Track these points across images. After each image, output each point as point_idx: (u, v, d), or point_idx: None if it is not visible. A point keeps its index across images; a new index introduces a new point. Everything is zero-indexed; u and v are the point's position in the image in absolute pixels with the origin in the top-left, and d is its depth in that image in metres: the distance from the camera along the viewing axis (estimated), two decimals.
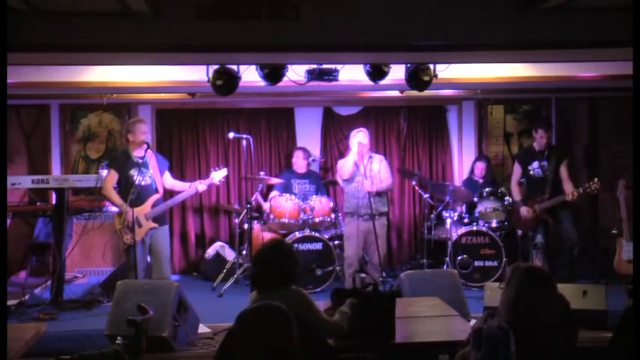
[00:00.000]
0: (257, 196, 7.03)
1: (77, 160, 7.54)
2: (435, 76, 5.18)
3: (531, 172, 6.35)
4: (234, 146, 7.61)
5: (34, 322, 5.11)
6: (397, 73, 5.27)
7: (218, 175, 5.92)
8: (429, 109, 7.82)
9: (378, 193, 6.22)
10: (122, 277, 5.11)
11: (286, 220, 6.59)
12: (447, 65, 5.21)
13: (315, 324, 3.08)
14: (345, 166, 6.26)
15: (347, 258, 6.30)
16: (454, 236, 6.60)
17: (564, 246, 6.25)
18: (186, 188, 5.89)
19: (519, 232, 6.51)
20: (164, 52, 4.52)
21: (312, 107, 7.74)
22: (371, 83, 5.29)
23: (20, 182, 5.73)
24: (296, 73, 5.22)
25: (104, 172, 5.82)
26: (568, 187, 6.12)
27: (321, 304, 3.19)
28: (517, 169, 6.53)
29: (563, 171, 6.22)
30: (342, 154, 7.42)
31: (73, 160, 7.53)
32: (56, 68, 5.49)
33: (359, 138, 6.20)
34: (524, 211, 6.31)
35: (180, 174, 7.33)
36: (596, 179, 5.99)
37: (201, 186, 5.83)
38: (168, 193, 6.03)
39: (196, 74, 5.44)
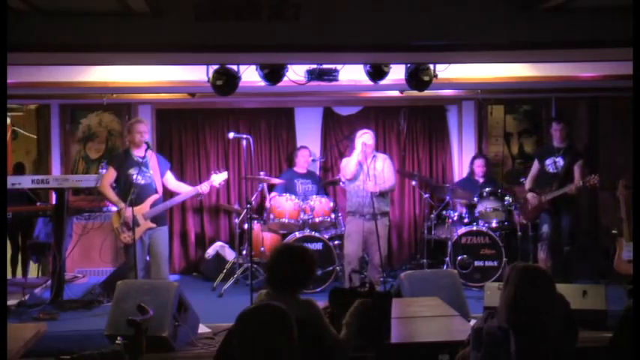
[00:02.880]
0: (264, 191, 7.01)
1: (77, 160, 7.54)
2: (435, 76, 5.19)
3: (547, 167, 6.44)
4: (234, 146, 7.61)
5: (34, 322, 5.09)
6: (397, 73, 5.27)
7: (218, 178, 5.91)
8: (429, 109, 7.82)
9: (381, 193, 6.22)
10: (122, 277, 5.11)
11: (286, 220, 6.59)
12: (447, 65, 5.21)
13: (323, 339, 3.04)
14: (348, 166, 6.27)
15: (347, 256, 6.29)
16: (454, 236, 6.60)
17: (556, 243, 6.30)
18: (190, 190, 5.88)
19: (519, 230, 6.54)
20: (164, 52, 4.53)
21: (312, 107, 7.74)
22: (371, 83, 5.29)
23: (20, 182, 5.72)
24: (296, 73, 5.22)
25: (104, 172, 5.82)
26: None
27: (320, 304, 3.18)
28: (535, 165, 6.63)
29: (577, 171, 6.28)
30: (343, 154, 7.43)
31: (73, 160, 7.53)
32: (56, 68, 5.50)
33: (364, 139, 6.21)
34: (530, 197, 6.41)
35: (180, 174, 7.32)
36: (594, 174, 6.04)
37: (204, 186, 5.82)
38: (168, 194, 6.03)
39: (196, 74, 5.44)
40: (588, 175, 6.11)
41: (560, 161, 6.35)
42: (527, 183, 6.61)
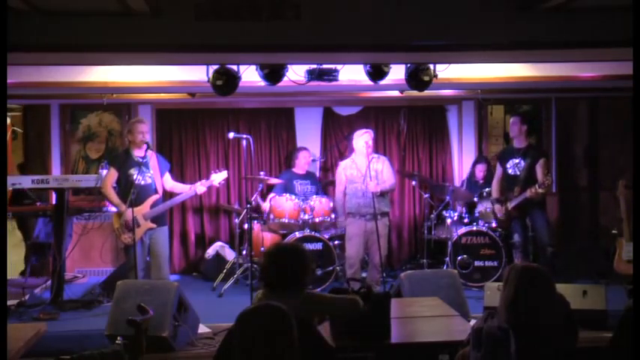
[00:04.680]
0: (257, 197, 7.01)
1: (77, 160, 7.54)
2: (435, 76, 5.18)
3: (508, 170, 6.40)
4: (234, 146, 7.61)
5: (34, 322, 5.10)
6: (397, 73, 5.27)
7: (218, 177, 5.92)
8: (429, 109, 7.82)
9: (382, 193, 6.23)
10: (122, 277, 5.12)
11: (286, 220, 6.59)
12: (447, 65, 5.21)
13: (339, 310, 3.17)
14: (346, 169, 6.34)
15: (348, 258, 6.29)
16: (454, 236, 6.60)
17: (538, 247, 6.30)
18: (186, 190, 5.89)
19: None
20: (164, 52, 4.52)
21: (312, 107, 7.74)
22: (371, 83, 5.29)
23: (20, 182, 5.71)
24: (296, 73, 5.22)
25: (104, 172, 5.82)
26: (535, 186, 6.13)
27: None
28: (498, 168, 6.60)
29: (539, 171, 6.21)
30: (342, 154, 7.43)
31: (73, 160, 7.53)
32: (56, 68, 5.49)
33: (365, 138, 6.22)
34: (496, 209, 6.43)
35: (180, 174, 7.33)
36: (549, 176, 6.04)
37: (200, 188, 5.84)
38: (168, 194, 6.03)
39: (196, 74, 5.44)
40: (545, 177, 6.06)
41: (521, 163, 6.27)
42: (493, 191, 6.56)
